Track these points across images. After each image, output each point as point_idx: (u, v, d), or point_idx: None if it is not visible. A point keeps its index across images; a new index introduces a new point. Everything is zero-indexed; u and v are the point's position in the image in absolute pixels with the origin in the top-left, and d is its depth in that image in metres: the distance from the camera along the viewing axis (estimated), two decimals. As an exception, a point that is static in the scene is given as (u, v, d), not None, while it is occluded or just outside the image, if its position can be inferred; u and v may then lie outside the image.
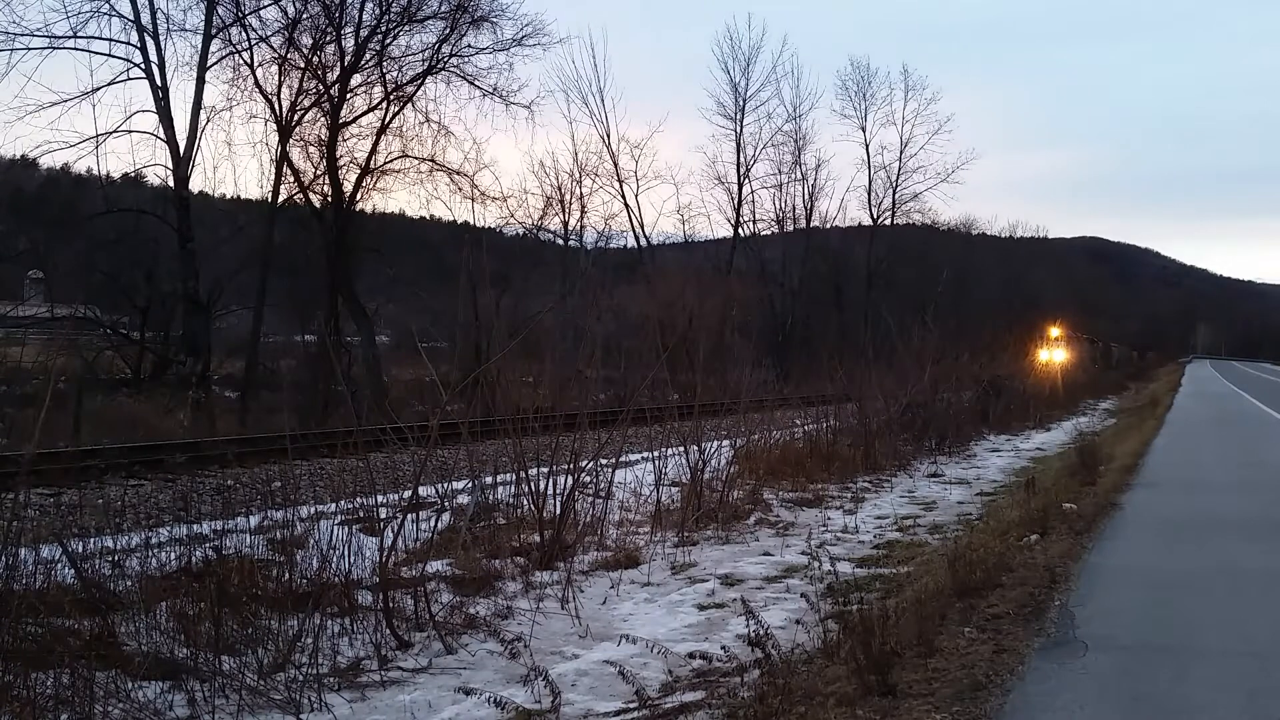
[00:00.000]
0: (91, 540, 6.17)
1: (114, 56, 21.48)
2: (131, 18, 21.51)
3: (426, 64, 24.98)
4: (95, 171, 23.37)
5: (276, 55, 23.74)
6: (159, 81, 21.81)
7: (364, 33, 24.31)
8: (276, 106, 23.80)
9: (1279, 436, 19.73)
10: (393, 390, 22.18)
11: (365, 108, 24.95)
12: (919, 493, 12.34)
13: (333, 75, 24.18)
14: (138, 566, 5.95)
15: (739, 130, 42.77)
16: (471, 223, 28.66)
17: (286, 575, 6.01)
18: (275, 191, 24.28)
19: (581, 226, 37.87)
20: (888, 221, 48.35)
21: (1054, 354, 39.32)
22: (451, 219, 30.06)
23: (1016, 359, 28.86)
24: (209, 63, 22.49)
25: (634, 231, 40.02)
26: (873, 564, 8.06)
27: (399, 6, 24.44)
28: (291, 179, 24.49)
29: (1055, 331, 43.17)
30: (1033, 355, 35.90)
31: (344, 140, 24.72)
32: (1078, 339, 51.24)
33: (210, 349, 23.12)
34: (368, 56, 24.49)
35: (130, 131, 21.88)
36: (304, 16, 23.68)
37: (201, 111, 22.55)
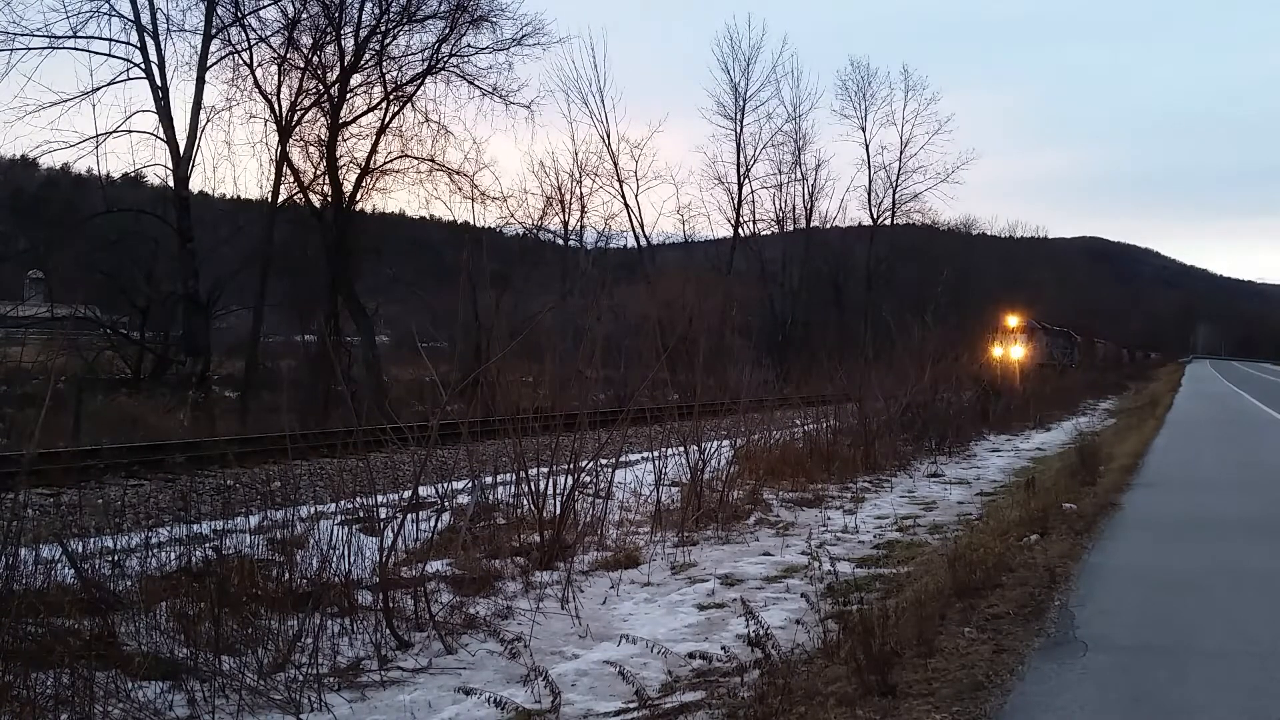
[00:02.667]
0: (91, 540, 6.17)
1: (114, 56, 21.53)
2: (131, 18, 21.56)
3: (426, 64, 25.02)
4: (95, 171, 23.42)
5: (276, 55, 23.78)
6: (159, 81, 21.85)
7: (364, 33, 24.36)
8: (276, 106, 23.84)
9: (1279, 436, 19.73)
10: (393, 390, 22.18)
11: (365, 108, 25.00)
12: (919, 493, 12.34)
13: (332, 75, 24.21)
14: (138, 566, 5.95)
15: (739, 130, 42.83)
16: (471, 223, 28.68)
17: (286, 575, 6.01)
18: (275, 191, 24.31)
19: (581, 226, 37.94)
20: (888, 221, 48.42)
21: (1011, 349, 33.92)
22: (451, 219, 30.08)
23: (972, 359, 24.42)
24: (209, 63, 22.54)
25: (634, 231, 40.05)
26: (873, 564, 8.06)
27: (399, 6, 24.48)
28: (291, 179, 24.53)
29: (1014, 321, 37.65)
30: (987, 352, 30.62)
31: (344, 140, 24.76)
32: (1045, 331, 43.61)
33: (210, 349, 23.12)
34: (367, 56, 24.53)
35: (130, 131, 21.93)
36: (304, 16, 23.73)
37: (201, 111, 22.60)
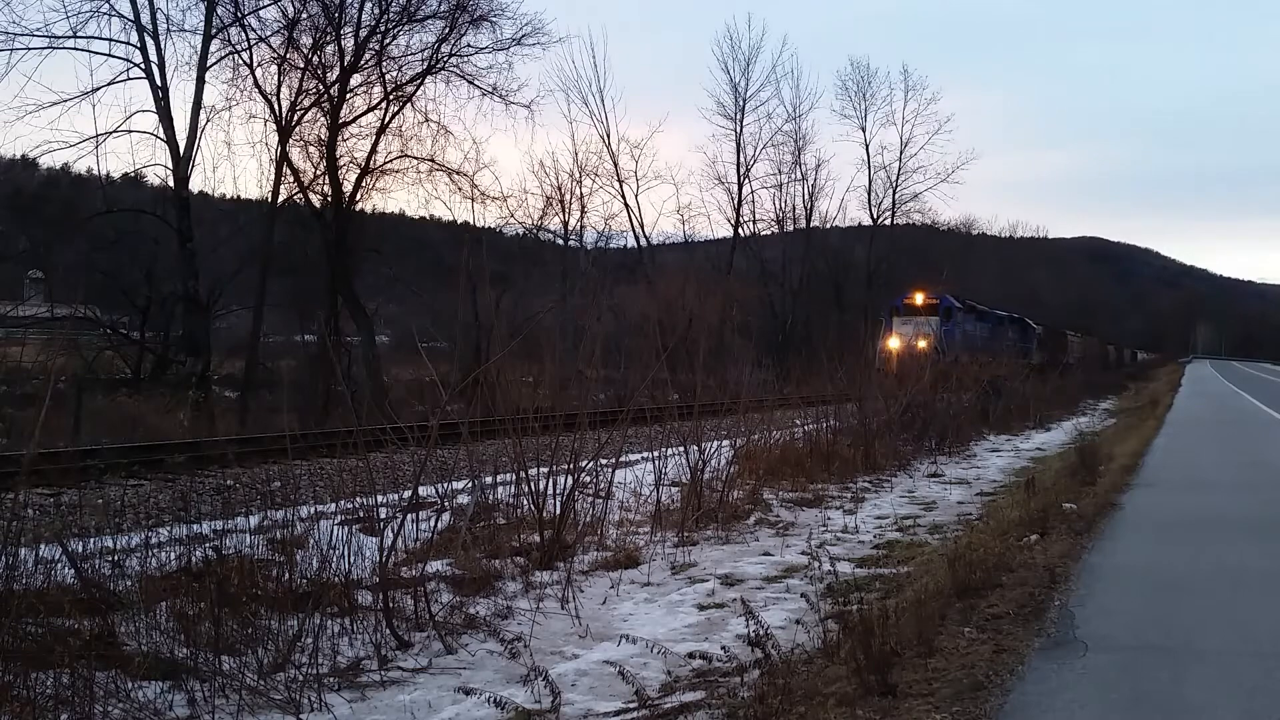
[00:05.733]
0: (91, 540, 6.16)
1: (114, 56, 21.57)
2: (131, 18, 21.60)
3: (426, 64, 25.06)
4: (95, 171, 23.48)
5: (276, 55, 23.82)
6: (159, 81, 21.89)
7: (363, 33, 24.39)
8: (276, 106, 23.86)
9: (1279, 436, 19.73)
10: (393, 390, 22.17)
11: (365, 108, 25.04)
12: (919, 493, 12.33)
13: (332, 75, 24.24)
14: (138, 566, 5.95)
15: (739, 130, 42.91)
16: (471, 223, 28.74)
17: (286, 575, 6.01)
18: (275, 191, 24.34)
19: (581, 226, 37.97)
20: (888, 221, 48.52)
21: (917, 339, 25.74)
22: (451, 219, 30.16)
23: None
24: (209, 63, 22.57)
25: (634, 231, 40.11)
26: (873, 564, 8.06)
27: (398, 6, 24.51)
28: (291, 179, 24.56)
29: (919, 298, 28.66)
30: (883, 344, 24.64)
31: (344, 140, 24.79)
32: (980, 316, 32.67)
33: (210, 349, 23.13)
34: (367, 56, 24.57)
35: (130, 131, 21.98)
36: (303, 16, 23.76)
37: (201, 111, 22.65)
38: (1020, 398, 24.02)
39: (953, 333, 28.23)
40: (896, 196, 47.86)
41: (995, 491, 12.38)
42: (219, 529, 6.96)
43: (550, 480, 8.15)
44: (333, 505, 7.78)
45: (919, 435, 16.50)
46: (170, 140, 22.09)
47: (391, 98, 24.91)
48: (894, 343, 25.91)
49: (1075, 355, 49.21)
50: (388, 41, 24.74)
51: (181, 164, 22.14)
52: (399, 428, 7.75)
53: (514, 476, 8.59)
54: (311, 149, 24.88)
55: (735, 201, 42.72)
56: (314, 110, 24.55)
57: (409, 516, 7.01)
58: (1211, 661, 5.05)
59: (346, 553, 6.29)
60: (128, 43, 21.64)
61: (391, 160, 25.45)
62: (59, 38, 20.69)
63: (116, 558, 5.97)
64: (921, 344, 25.62)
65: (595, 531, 8.64)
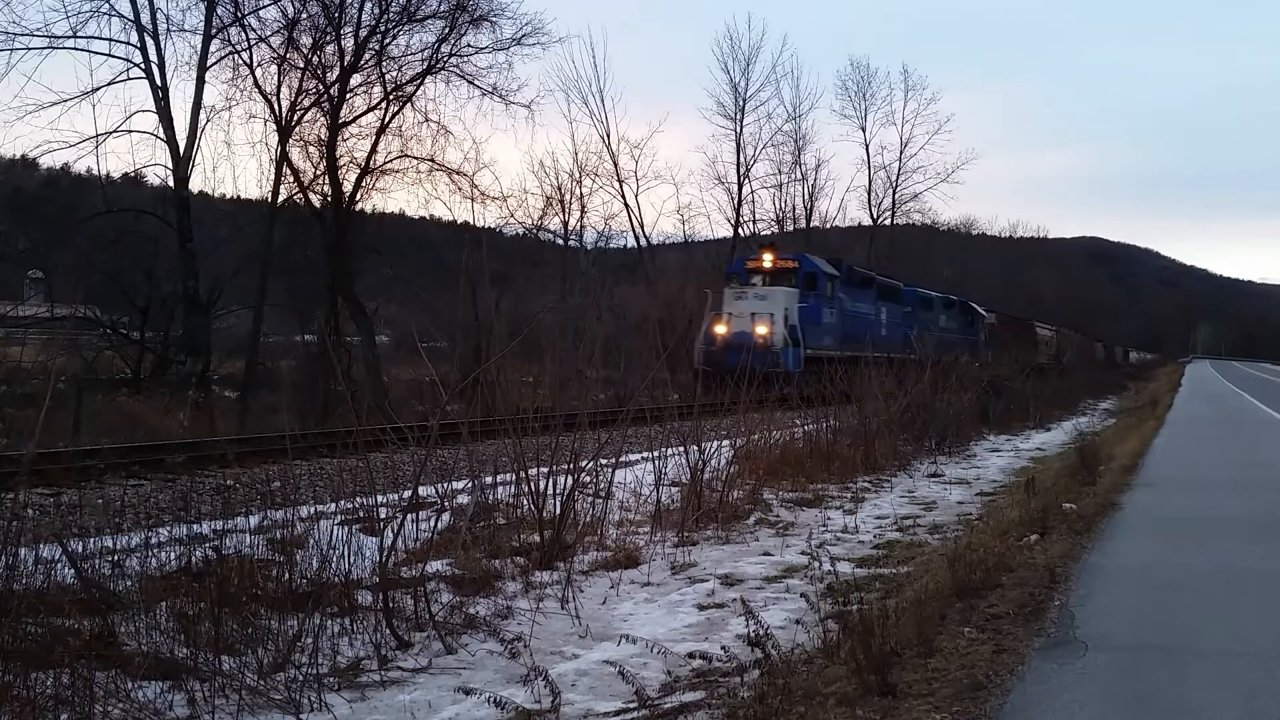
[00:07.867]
0: (91, 540, 6.16)
1: (114, 56, 21.58)
2: (131, 18, 21.62)
3: (426, 64, 25.07)
4: (95, 171, 23.51)
5: (276, 55, 23.86)
6: (159, 81, 21.90)
7: (363, 32, 24.41)
8: (276, 106, 23.89)
9: (1279, 436, 19.73)
10: (393, 390, 22.18)
11: (365, 108, 25.07)
12: (919, 493, 12.33)
13: (332, 75, 24.27)
14: (138, 566, 5.95)
15: (739, 130, 42.80)
16: (471, 223, 28.75)
17: (286, 575, 6.01)
18: (275, 191, 24.36)
19: (581, 226, 37.97)
20: (888, 221, 48.47)
21: (756, 323, 19.33)
22: (451, 219, 30.17)
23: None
24: (209, 63, 22.59)
25: (634, 231, 40.03)
26: (873, 564, 8.05)
27: (398, 6, 24.54)
28: (291, 179, 24.59)
29: (767, 259, 21.88)
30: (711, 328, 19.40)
31: (344, 140, 24.81)
32: (881, 291, 25.33)
33: (210, 349, 23.14)
34: (367, 56, 24.59)
35: (130, 131, 22.00)
36: (303, 16, 23.79)
37: (201, 111, 22.68)
38: (1020, 398, 24.04)
39: (816, 312, 20.30)
40: (896, 196, 47.88)
41: (995, 491, 12.38)
42: (219, 529, 6.95)
43: (550, 480, 8.15)
44: (333, 505, 7.78)
45: (919, 435, 16.49)
46: (170, 140, 22.11)
47: (391, 98, 24.95)
48: (720, 329, 19.02)
49: (1049, 353, 42.85)
50: (388, 41, 24.80)
51: (181, 164, 22.15)
52: (399, 428, 7.75)
53: (514, 476, 8.59)
54: (311, 149, 24.96)
55: (735, 201, 42.70)
56: (314, 110, 24.62)
57: (409, 516, 7.01)
58: (1212, 662, 5.05)
59: (346, 553, 6.29)
60: (128, 43, 21.69)
61: (391, 160, 25.51)
62: (59, 38, 20.74)
63: (116, 558, 5.96)
64: (761, 330, 18.76)
65: (595, 531, 8.64)
